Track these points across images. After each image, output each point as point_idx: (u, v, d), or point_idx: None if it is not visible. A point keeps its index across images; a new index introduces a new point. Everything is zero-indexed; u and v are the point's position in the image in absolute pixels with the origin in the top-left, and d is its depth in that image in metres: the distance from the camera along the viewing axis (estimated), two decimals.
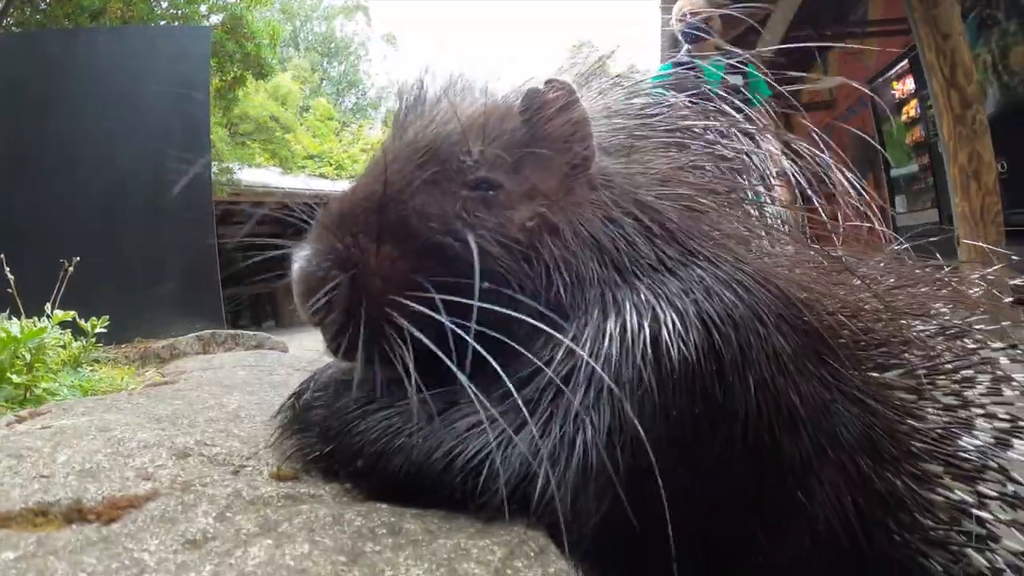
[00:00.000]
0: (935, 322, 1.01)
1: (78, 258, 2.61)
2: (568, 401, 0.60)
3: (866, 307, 0.91)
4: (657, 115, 0.87)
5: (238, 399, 1.06)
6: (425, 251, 0.65)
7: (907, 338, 0.93)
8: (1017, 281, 1.18)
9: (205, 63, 5.11)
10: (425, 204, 0.68)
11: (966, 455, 0.87)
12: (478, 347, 0.61)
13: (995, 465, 0.88)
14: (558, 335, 0.63)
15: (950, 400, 0.94)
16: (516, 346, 0.61)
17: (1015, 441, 0.89)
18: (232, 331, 3.46)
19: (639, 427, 0.61)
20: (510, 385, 0.61)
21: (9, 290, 2.32)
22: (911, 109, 7.50)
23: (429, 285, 0.62)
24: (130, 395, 1.33)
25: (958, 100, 4.25)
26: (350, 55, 44.03)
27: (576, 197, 0.72)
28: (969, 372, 0.97)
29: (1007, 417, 0.93)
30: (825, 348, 0.79)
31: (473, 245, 0.62)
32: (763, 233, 0.93)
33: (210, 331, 3.36)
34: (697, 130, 0.89)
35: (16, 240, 3.30)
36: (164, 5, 9.20)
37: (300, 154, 23.74)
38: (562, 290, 0.68)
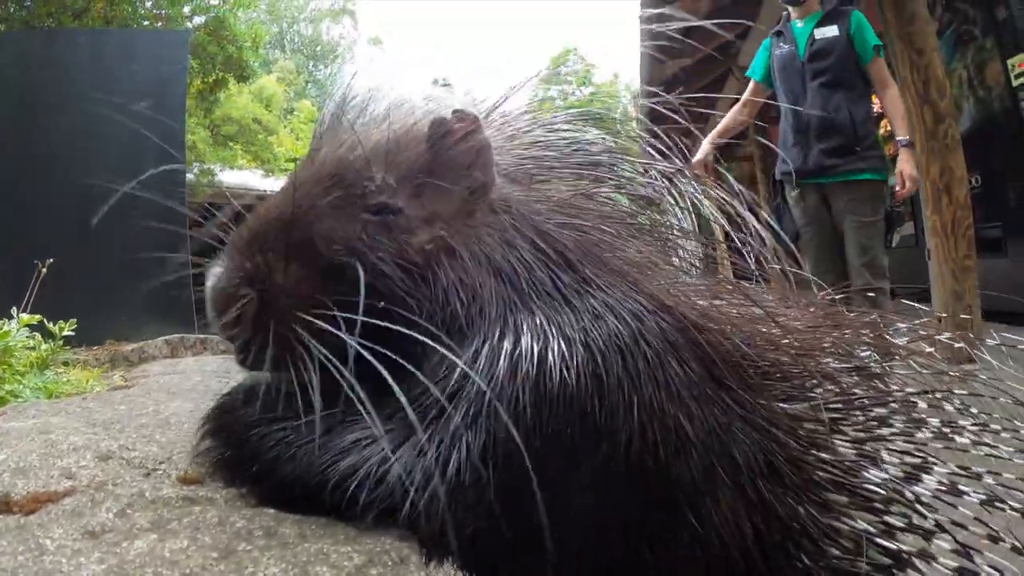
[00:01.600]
0: (853, 362, 1.04)
1: (51, 260, 2.64)
2: (449, 418, 0.65)
3: (777, 340, 0.95)
4: (568, 147, 0.92)
5: (176, 405, 1.11)
6: (328, 272, 0.71)
7: (821, 373, 0.96)
8: (945, 336, 1.22)
9: (183, 66, 5.16)
10: (329, 227, 0.73)
11: (873, 487, 0.89)
12: (376, 363, 0.65)
13: (903, 497, 0.90)
14: (450, 355, 0.67)
15: (860, 435, 0.96)
16: (407, 365, 0.65)
17: (924, 477, 0.92)
18: (202, 336, 3.50)
19: (513, 446, 0.64)
20: (404, 401, 0.65)
21: None
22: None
23: (331, 304, 0.67)
24: (83, 399, 1.39)
25: (931, 115, 4.30)
26: (336, 58, 44.05)
27: (475, 221, 0.77)
28: (883, 411, 1.00)
29: (919, 454, 0.96)
30: (726, 375, 0.82)
31: (360, 269, 0.67)
32: (675, 265, 0.97)
33: (179, 335, 3.40)
34: (606, 164, 0.93)
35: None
36: (148, 5, 9.23)
37: (283, 156, 23.70)
38: (460, 310, 0.72)
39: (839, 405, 0.97)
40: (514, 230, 0.78)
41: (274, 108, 32.08)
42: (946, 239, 4.27)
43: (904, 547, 0.86)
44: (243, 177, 16.82)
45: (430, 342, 0.68)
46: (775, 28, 3.82)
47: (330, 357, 0.65)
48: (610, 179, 0.96)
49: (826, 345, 1.03)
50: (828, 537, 0.85)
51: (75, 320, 2.38)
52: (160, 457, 0.78)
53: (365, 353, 0.65)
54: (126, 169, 1.09)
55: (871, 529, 0.86)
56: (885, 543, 0.85)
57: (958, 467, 0.95)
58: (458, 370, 0.67)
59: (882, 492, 0.89)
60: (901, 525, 0.88)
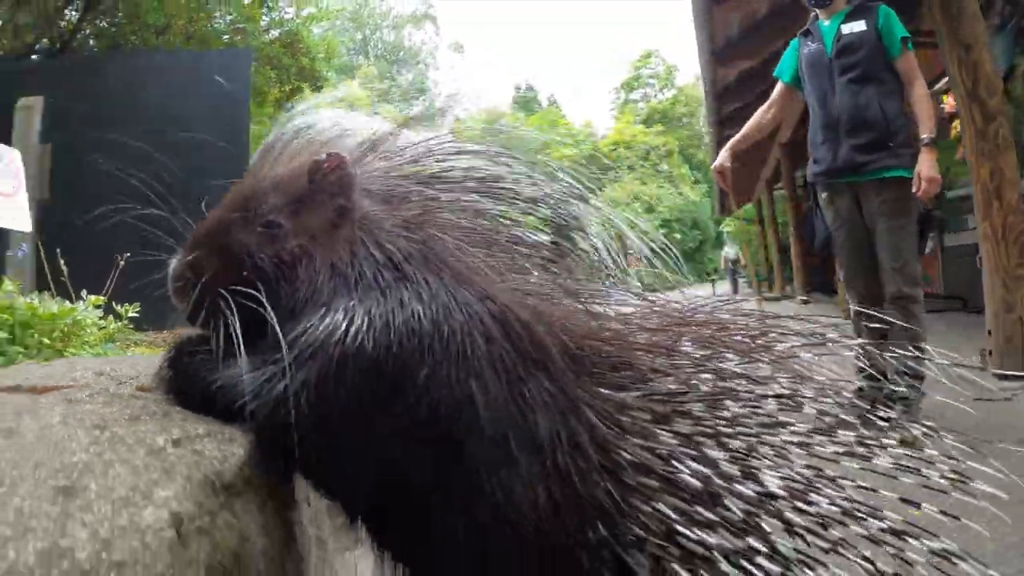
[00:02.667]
0: (690, 360, 1.13)
1: (128, 255, 3.16)
2: (283, 360, 0.92)
3: (607, 334, 1.11)
4: (446, 173, 1.23)
5: None
6: (235, 265, 1.08)
7: (651, 366, 1.08)
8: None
9: (246, 81, 5.82)
10: (237, 235, 1.03)
11: (689, 477, 0.96)
12: (240, 327, 0.99)
13: (716, 492, 0.97)
14: (299, 324, 0.96)
15: (695, 428, 1.04)
16: (276, 328, 0.96)
17: (763, 477, 1.01)
18: None
19: (317, 389, 0.91)
20: (265, 349, 0.94)
21: (62, 278, 2.92)
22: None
23: (233, 286, 1.05)
24: (123, 359, 1.85)
25: (980, 114, 4.20)
26: (419, 63, 45.53)
27: (335, 235, 1.01)
28: (739, 411, 1.08)
29: (742, 450, 1.04)
30: (542, 359, 0.98)
31: (249, 264, 0.98)
32: (519, 269, 1.15)
33: None
34: (479, 186, 1.23)
35: (77, 237, 3.93)
36: (227, 20, 10.11)
37: None
38: (305, 295, 1.02)
39: (680, 400, 1.07)
40: (359, 241, 1.04)
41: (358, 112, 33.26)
42: (996, 245, 4.18)
43: (709, 539, 0.94)
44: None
45: (294, 315, 1.03)
46: (803, 28, 3.76)
47: (230, 319, 1.03)
48: (482, 198, 1.17)
49: (684, 346, 1.15)
50: (630, 516, 0.95)
51: (139, 304, 2.86)
52: (133, 376, 1.21)
53: (235, 323, 0.99)
54: (196, 175, 1.46)
55: (676, 516, 0.94)
56: (686, 531, 0.94)
57: (799, 472, 1.03)
58: (294, 333, 1.00)
59: (697, 484, 0.96)
60: (713, 517, 0.95)
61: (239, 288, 0.97)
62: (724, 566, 0.91)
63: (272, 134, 1.19)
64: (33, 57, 8.46)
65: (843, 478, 1.04)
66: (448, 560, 0.93)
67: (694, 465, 0.95)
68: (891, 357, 2.76)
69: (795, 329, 1.24)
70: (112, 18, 8.52)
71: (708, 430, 1.03)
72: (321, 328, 0.93)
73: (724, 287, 19.33)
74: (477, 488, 0.90)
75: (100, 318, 2.62)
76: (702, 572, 0.92)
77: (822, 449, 1.06)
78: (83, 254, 3.14)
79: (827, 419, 1.11)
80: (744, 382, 1.10)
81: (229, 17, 9.95)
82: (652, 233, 1.26)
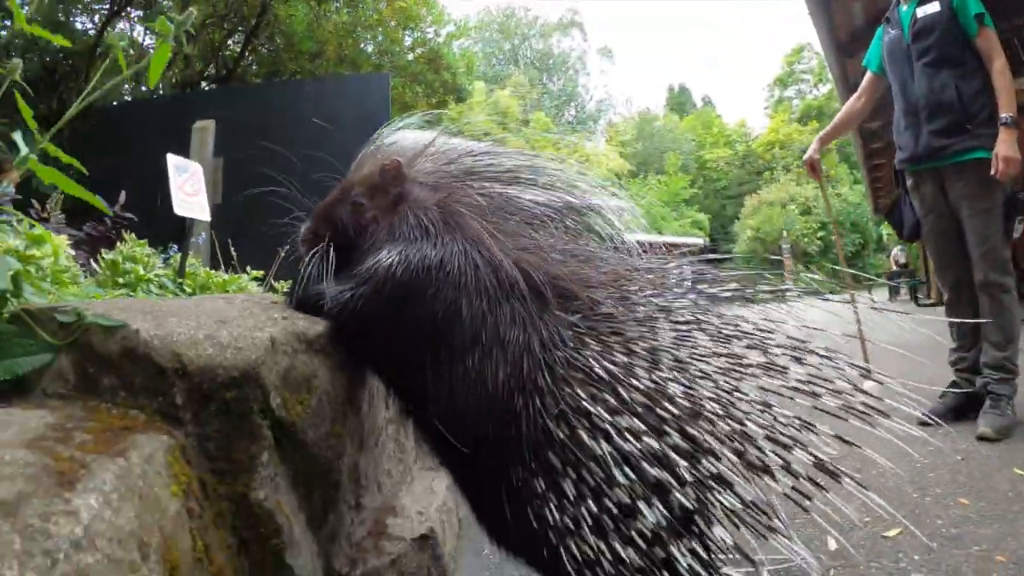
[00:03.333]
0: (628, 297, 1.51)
1: (287, 246, 3.97)
2: (353, 279, 1.43)
3: (571, 277, 1.49)
4: (477, 164, 1.64)
5: None
6: (338, 228, 1.63)
7: (595, 299, 1.47)
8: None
9: (386, 101, 6.70)
10: (338, 210, 1.57)
11: (601, 371, 1.34)
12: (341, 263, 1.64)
13: (619, 383, 1.32)
14: (369, 258, 1.44)
15: (610, 339, 1.41)
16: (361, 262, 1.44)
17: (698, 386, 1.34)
18: None
19: (374, 295, 1.41)
20: (345, 278, 1.45)
21: (232, 261, 3.72)
22: None
23: (336, 239, 1.55)
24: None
25: None
26: (568, 70, 46.49)
27: (394, 209, 1.54)
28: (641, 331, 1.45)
29: (647, 356, 1.38)
30: (516, 289, 1.42)
31: (343, 226, 1.53)
32: (525, 234, 1.57)
33: None
34: (487, 176, 1.63)
35: (245, 236, 4.71)
36: (375, 44, 11.26)
37: None
38: (377, 243, 1.47)
39: (611, 322, 1.44)
40: (407, 213, 1.52)
41: (510, 120, 34.70)
42: None
43: (605, 415, 1.30)
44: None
45: (366, 254, 1.57)
46: (886, 15, 3.79)
47: (326, 260, 1.61)
48: (498, 185, 1.62)
49: (629, 287, 1.54)
50: (558, 397, 1.35)
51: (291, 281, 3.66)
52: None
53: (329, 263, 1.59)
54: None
55: (594, 406, 1.32)
56: (594, 410, 1.30)
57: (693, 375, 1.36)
58: (363, 266, 1.43)
59: (606, 376, 1.33)
60: (614, 404, 1.30)
61: (337, 241, 1.55)
62: (617, 438, 1.29)
63: (364, 148, 1.72)
64: (203, 84, 9.91)
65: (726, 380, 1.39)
66: (437, 408, 1.41)
67: (606, 364, 1.36)
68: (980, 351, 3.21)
69: (722, 277, 1.64)
70: (270, 46, 9.86)
71: (623, 342, 1.41)
72: (374, 264, 1.47)
73: (883, 295, 18.42)
74: (459, 363, 1.38)
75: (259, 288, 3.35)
76: (602, 440, 1.29)
77: (711, 363, 1.41)
78: (247, 244, 3.93)
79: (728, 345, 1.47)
80: (665, 313, 1.50)
81: (375, 41, 11.08)
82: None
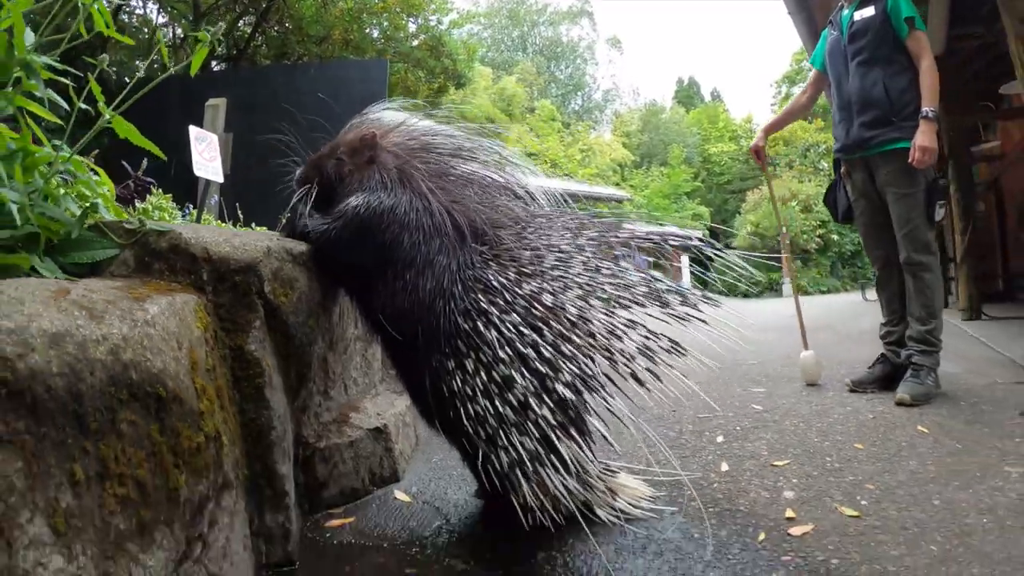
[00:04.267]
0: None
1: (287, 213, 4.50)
2: (331, 216, 1.95)
3: (488, 222, 2.03)
4: (426, 144, 2.12)
5: None
6: (324, 176, 2.09)
7: (502, 237, 2.02)
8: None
9: (383, 85, 7.22)
10: (326, 161, 2.05)
11: (496, 284, 1.86)
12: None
13: (511, 293, 1.84)
14: (343, 202, 1.93)
15: (507, 263, 1.94)
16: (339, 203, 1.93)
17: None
18: None
19: (344, 230, 1.92)
20: (332, 212, 1.96)
21: (239, 223, 4.26)
22: None
23: (321, 184, 2.00)
24: None
25: None
26: (576, 59, 46.84)
27: (367, 167, 2.00)
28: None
29: (533, 273, 1.91)
30: (444, 228, 1.93)
31: (329, 174, 2.01)
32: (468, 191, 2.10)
33: None
34: (442, 149, 2.13)
35: (251, 201, 5.14)
36: (380, 29, 11.79)
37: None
38: (351, 190, 1.93)
39: (511, 253, 1.97)
40: (376, 171, 2.01)
41: (515, 107, 35.55)
42: None
43: (494, 310, 1.84)
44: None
45: (344, 197, 2.04)
46: (829, 19, 4.12)
47: (310, 196, 2.12)
48: (448, 156, 2.14)
49: (528, 228, 2.07)
50: (466, 299, 1.86)
51: None
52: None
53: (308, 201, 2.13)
54: None
55: (484, 300, 1.85)
56: (489, 308, 1.84)
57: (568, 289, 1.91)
58: (339, 207, 1.93)
59: (499, 287, 1.86)
60: (502, 304, 1.84)
61: (328, 186, 2.05)
62: (503, 328, 1.80)
63: (352, 121, 2.21)
64: (214, 64, 10.48)
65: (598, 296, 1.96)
66: (384, 310, 1.91)
67: (501, 279, 1.89)
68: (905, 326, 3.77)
69: (606, 222, 2.19)
70: (279, 29, 10.40)
71: (516, 266, 1.94)
72: (345, 206, 1.97)
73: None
74: (401, 278, 1.90)
75: None
76: (493, 330, 1.79)
77: (578, 280, 1.94)
78: (253, 208, 4.44)
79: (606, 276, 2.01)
80: (556, 249, 2.02)
81: (380, 27, 11.60)
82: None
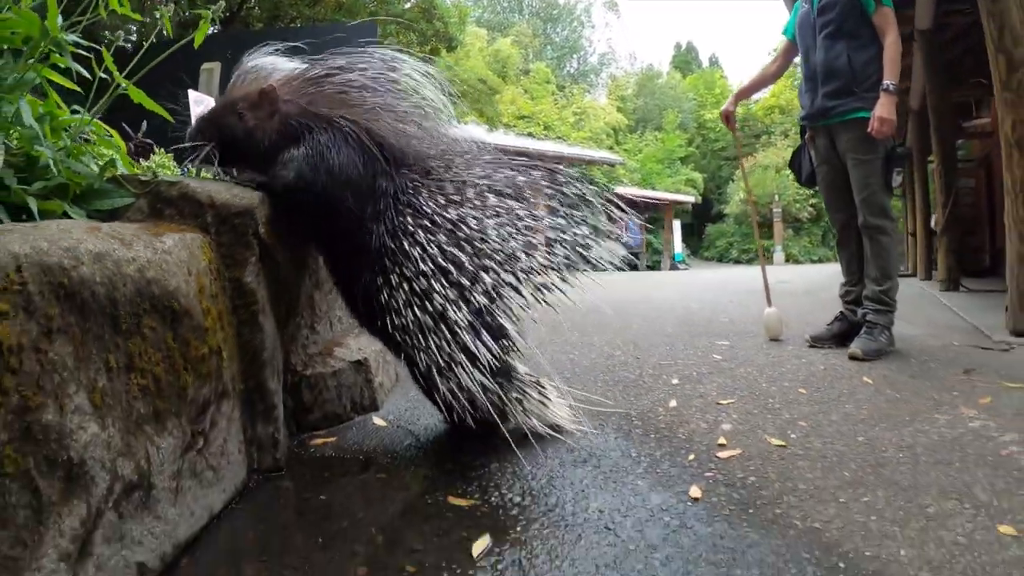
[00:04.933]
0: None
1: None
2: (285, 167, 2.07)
3: (416, 150, 2.16)
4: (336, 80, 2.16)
5: None
6: (225, 132, 2.10)
7: (428, 163, 2.17)
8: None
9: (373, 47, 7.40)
10: (227, 119, 2.12)
11: (424, 206, 2.07)
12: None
13: (433, 215, 2.05)
14: (282, 153, 2.11)
15: (431, 185, 2.14)
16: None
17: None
18: None
19: (297, 173, 2.04)
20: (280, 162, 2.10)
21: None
22: None
23: (224, 140, 2.09)
24: None
25: (1004, 64, 4.32)
26: (572, 21, 46.59)
27: (271, 117, 2.07)
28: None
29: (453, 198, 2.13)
30: (378, 153, 2.02)
31: (230, 129, 2.09)
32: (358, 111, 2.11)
33: None
34: (339, 85, 2.12)
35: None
36: None
37: (507, 114, 26.50)
38: (276, 144, 2.07)
39: (436, 179, 2.17)
40: (282, 120, 2.07)
41: (510, 69, 35.55)
42: (1015, 198, 4.32)
43: (411, 220, 2.07)
44: (468, 131, 19.71)
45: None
46: None
47: (215, 153, 2.24)
48: (345, 89, 2.14)
49: (456, 160, 2.25)
50: (394, 210, 2.07)
51: None
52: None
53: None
54: None
55: (410, 216, 2.07)
56: (410, 224, 2.05)
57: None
58: (283, 157, 2.08)
59: (424, 209, 2.08)
60: (425, 224, 2.06)
61: (234, 140, 2.14)
62: (427, 246, 2.02)
63: (237, 71, 2.26)
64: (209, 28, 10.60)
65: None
66: (332, 231, 2.09)
67: (430, 203, 2.10)
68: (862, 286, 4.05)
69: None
70: None
71: (443, 193, 2.15)
72: (289, 156, 2.08)
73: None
74: (345, 202, 2.05)
75: None
76: (417, 248, 2.01)
77: (494, 209, 2.18)
78: None
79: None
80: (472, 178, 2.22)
81: None
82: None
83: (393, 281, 2.02)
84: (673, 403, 2.86)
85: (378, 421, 2.62)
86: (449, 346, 2.00)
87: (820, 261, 27.83)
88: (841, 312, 4.18)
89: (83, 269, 1.23)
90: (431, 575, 1.50)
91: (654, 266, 26.44)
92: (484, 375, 2.01)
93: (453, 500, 1.88)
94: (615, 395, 2.99)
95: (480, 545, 1.61)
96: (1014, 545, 1.59)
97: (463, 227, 2.07)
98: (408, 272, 2.02)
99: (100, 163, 1.99)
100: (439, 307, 1.99)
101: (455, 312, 1.98)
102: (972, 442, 2.29)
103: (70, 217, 1.67)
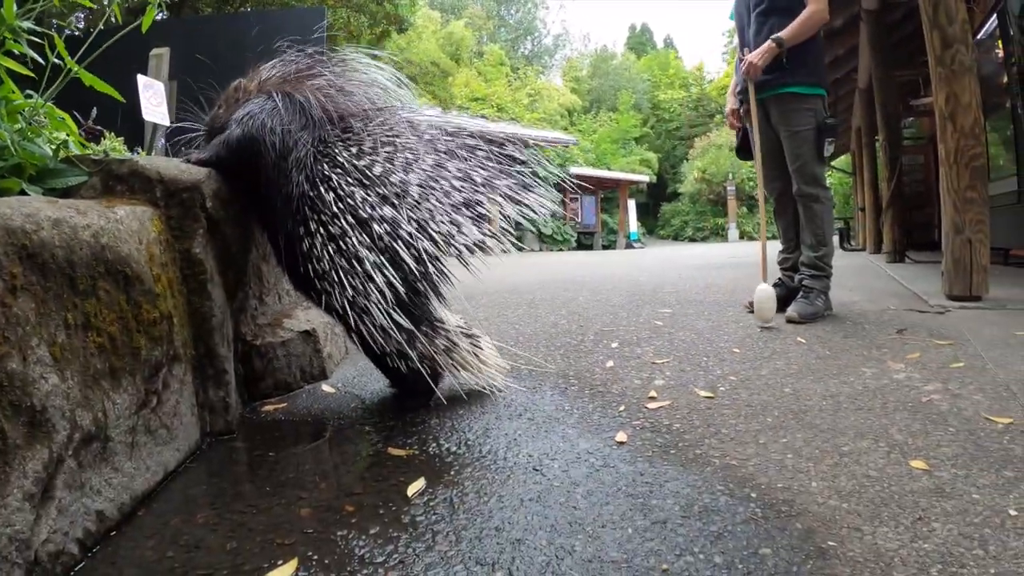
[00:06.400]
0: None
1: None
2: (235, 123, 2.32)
3: (346, 113, 2.34)
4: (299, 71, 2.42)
5: None
6: (212, 124, 2.41)
7: (349, 124, 2.33)
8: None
9: (323, 35, 7.49)
10: (217, 111, 2.41)
11: (344, 161, 2.22)
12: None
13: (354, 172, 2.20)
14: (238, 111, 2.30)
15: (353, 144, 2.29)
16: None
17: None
18: None
19: (238, 136, 2.24)
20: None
21: None
22: None
23: (216, 121, 2.39)
24: None
25: (939, 40, 4.45)
26: (526, 2, 46.49)
27: (243, 104, 2.30)
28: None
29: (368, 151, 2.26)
30: (311, 117, 2.24)
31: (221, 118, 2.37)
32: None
33: None
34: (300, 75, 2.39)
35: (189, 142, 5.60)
36: None
37: (460, 96, 26.53)
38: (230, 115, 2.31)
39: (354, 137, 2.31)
40: (250, 103, 2.29)
41: (463, 52, 35.47)
42: (949, 168, 4.46)
43: (336, 175, 2.21)
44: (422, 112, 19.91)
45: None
46: None
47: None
48: (309, 76, 2.38)
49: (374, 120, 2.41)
50: (318, 164, 2.21)
51: None
52: None
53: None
54: None
55: (329, 171, 2.23)
56: (338, 180, 2.21)
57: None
58: (237, 114, 2.27)
59: (346, 164, 2.22)
60: (351, 181, 2.18)
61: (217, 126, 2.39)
62: (340, 191, 2.17)
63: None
64: (157, 15, 10.56)
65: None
66: (266, 181, 2.20)
67: (345, 154, 2.24)
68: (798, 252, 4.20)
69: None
70: None
71: (359, 146, 2.29)
72: (241, 114, 2.28)
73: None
74: (271, 154, 2.19)
75: None
76: (332, 193, 2.17)
77: (400, 157, 2.31)
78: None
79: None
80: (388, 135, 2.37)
81: None
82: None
83: (311, 228, 2.15)
84: (610, 363, 3.01)
85: (327, 388, 2.77)
86: (363, 286, 2.11)
87: (773, 238, 28.27)
88: (779, 278, 4.31)
89: (43, 233, 1.37)
90: (369, 512, 1.63)
91: (609, 245, 26.71)
92: (398, 314, 2.14)
93: (393, 451, 2.04)
94: (555, 359, 3.17)
95: (415, 487, 1.76)
96: (924, 477, 1.70)
97: (369, 174, 2.21)
98: (324, 217, 2.15)
99: (54, 145, 2.10)
100: (352, 248, 2.12)
101: (366, 253, 2.11)
102: (895, 391, 2.42)
103: (27, 194, 1.78)
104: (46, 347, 1.36)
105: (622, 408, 2.38)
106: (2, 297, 1.25)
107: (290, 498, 1.72)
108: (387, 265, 2.12)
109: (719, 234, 31.92)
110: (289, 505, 1.68)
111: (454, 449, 2.05)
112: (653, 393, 2.53)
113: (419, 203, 2.23)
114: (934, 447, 1.89)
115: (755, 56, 3.80)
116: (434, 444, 2.09)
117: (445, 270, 2.35)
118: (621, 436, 2.09)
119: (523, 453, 1.99)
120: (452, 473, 1.87)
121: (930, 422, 2.09)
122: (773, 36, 3.75)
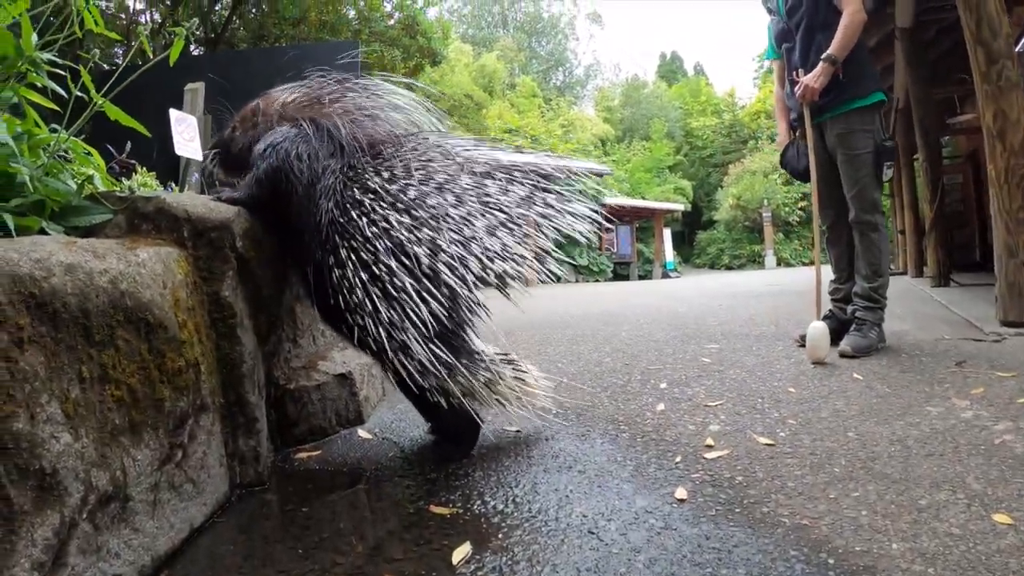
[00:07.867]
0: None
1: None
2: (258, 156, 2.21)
3: (375, 140, 2.25)
4: (311, 97, 2.35)
5: None
6: (227, 145, 2.34)
7: (380, 151, 2.25)
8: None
9: (355, 65, 7.47)
10: (230, 133, 2.36)
11: (372, 183, 2.13)
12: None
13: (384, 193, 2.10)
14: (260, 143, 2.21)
15: (383, 170, 2.18)
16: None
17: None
18: None
19: (265, 169, 2.14)
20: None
21: None
22: None
23: (235, 146, 2.30)
24: None
25: (984, 56, 4.31)
26: (557, 34, 46.90)
27: (258, 127, 2.27)
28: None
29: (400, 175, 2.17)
30: (338, 146, 2.15)
31: (234, 142, 2.35)
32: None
33: None
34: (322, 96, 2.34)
35: (230, 185, 5.62)
36: (356, 9, 12.01)
37: (493, 128, 26.58)
38: (249, 149, 2.25)
39: (386, 164, 2.22)
40: (264, 126, 2.26)
41: (496, 84, 35.73)
42: (1000, 188, 4.25)
43: (368, 197, 2.11)
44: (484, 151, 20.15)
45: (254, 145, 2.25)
46: (767, 7, 4.17)
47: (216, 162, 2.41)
48: (333, 101, 2.32)
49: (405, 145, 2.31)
50: (346, 193, 2.12)
51: None
52: None
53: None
54: None
55: (359, 192, 2.14)
56: (369, 200, 2.11)
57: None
58: (259, 147, 2.19)
59: (375, 187, 2.14)
60: (379, 209, 2.05)
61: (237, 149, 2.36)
62: (374, 216, 2.07)
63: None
64: (192, 48, 10.72)
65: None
66: (293, 211, 2.11)
67: (376, 180, 2.14)
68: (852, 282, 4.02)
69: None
70: (256, 12, 10.65)
71: (390, 171, 2.19)
72: (264, 145, 2.20)
73: None
74: (302, 182, 2.12)
75: None
76: (364, 218, 2.05)
77: (429, 186, 2.17)
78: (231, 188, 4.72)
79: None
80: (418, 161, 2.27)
81: (356, 7, 11.83)
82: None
83: (342, 256, 2.04)
84: (661, 406, 2.87)
85: (363, 434, 2.63)
86: (400, 316, 2.00)
87: (812, 264, 27.87)
88: (830, 310, 4.13)
89: (54, 280, 1.25)
90: None
91: (645, 275, 26.47)
92: (437, 346, 2.02)
93: (435, 509, 1.89)
94: (602, 401, 3.01)
95: (460, 553, 1.61)
96: (1010, 533, 1.58)
97: (404, 196, 2.11)
98: (355, 243, 2.04)
99: (79, 181, 2.01)
100: (386, 274, 2.01)
101: (404, 278, 2.00)
102: (964, 432, 2.29)
103: (47, 233, 1.68)
104: (58, 403, 1.23)
105: (678, 459, 2.23)
106: (7, 351, 1.13)
107: (324, 563, 1.58)
108: (426, 292, 2.00)
109: (756, 261, 31.51)
110: (323, 572, 1.54)
111: (501, 507, 1.89)
112: (710, 440, 2.39)
113: (460, 226, 2.12)
114: (1015, 497, 1.76)
115: (811, 79, 3.64)
116: (479, 501, 1.94)
117: (479, 299, 2.22)
118: (681, 492, 1.94)
119: (576, 512, 1.84)
120: (500, 536, 1.71)
121: (1007, 467, 1.96)
122: (824, 56, 3.60)
